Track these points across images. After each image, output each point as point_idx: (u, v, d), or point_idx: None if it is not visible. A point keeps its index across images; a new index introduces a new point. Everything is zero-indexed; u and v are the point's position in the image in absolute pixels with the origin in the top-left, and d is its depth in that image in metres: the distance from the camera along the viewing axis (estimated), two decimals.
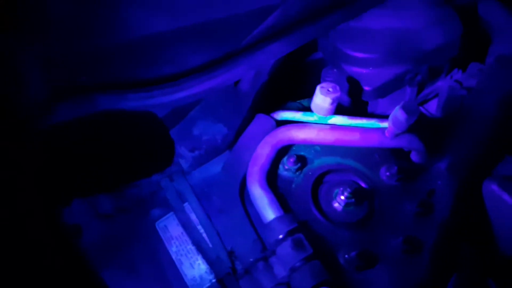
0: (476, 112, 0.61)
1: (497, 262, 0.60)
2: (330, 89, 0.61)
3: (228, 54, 0.53)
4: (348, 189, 0.59)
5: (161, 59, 0.53)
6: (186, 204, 0.60)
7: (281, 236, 0.52)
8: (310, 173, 0.63)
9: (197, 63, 0.53)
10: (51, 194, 0.40)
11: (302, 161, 0.64)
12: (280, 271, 0.52)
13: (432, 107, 0.76)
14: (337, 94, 0.61)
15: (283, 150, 0.65)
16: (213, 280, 0.55)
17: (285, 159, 0.63)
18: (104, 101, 0.52)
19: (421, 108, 0.76)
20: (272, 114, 0.66)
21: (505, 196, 0.60)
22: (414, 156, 0.68)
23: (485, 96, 0.61)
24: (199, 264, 0.56)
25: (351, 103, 0.71)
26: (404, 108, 0.58)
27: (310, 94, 0.66)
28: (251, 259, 0.53)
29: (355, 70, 0.68)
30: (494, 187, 0.61)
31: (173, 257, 0.57)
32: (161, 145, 0.50)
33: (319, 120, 0.66)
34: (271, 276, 0.52)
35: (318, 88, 0.61)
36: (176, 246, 0.58)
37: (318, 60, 0.77)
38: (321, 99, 0.61)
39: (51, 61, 0.50)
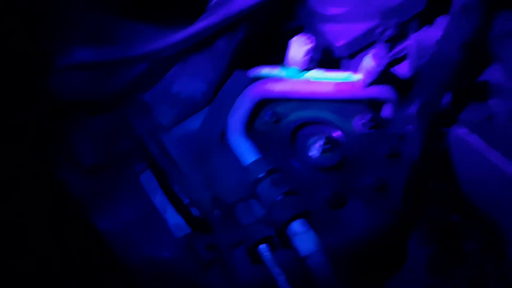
0: (442, 58, 0.68)
1: (461, 201, 0.67)
2: (304, 40, 0.67)
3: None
4: (323, 137, 0.65)
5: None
6: (168, 158, 0.66)
7: (260, 176, 0.58)
8: (287, 125, 0.69)
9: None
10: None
11: (279, 115, 0.69)
12: (260, 210, 0.58)
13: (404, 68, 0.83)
14: (312, 45, 0.67)
15: (260, 106, 0.70)
16: None
17: (262, 113, 0.69)
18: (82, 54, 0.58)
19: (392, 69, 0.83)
20: (249, 71, 0.72)
21: (471, 139, 0.67)
22: (386, 109, 0.75)
23: (449, 42, 0.67)
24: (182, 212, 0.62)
25: (326, 62, 0.77)
26: (373, 55, 0.65)
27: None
28: (232, 201, 0.59)
29: (328, 27, 0.74)
30: (462, 131, 0.68)
31: (157, 206, 0.63)
32: None
33: (295, 75, 0.72)
34: (252, 216, 0.58)
35: (292, 39, 0.67)
36: (160, 196, 0.63)
37: (296, 29, 0.83)
38: (296, 50, 0.67)
39: None
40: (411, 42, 0.78)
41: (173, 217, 0.61)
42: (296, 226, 0.55)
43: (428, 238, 0.65)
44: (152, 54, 0.60)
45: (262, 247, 0.55)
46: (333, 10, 0.73)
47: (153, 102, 0.69)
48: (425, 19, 0.78)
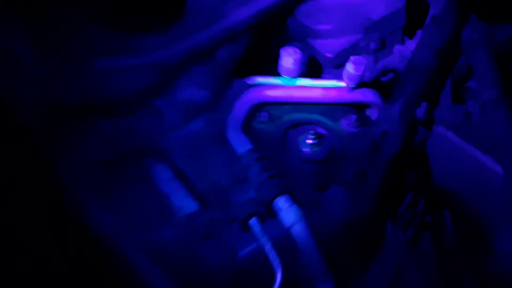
0: (418, 65, 0.77)
1: (440, 192, 0.74)
2: (292, 51, 0.77)
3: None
4: (312, 132, 0.74)
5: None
6: (175, 152, 0.75)
7: (251, 162, 0.67)
8: (280, 125, 0.79)
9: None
10: None
11: (273, 116, 0.79)
12: (252, 191, 0.67)
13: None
14: (298, 55, 0.77)
15: (257, 108, 0.80)
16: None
17: (258, 114, 0.79)
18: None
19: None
20: (247, 79, 0.82)
21: (448, 135, 0.74)
22: (372, 112, 0.83)
23: (424, 50, 0.76)
24: (187, 195, 0.71)
25: (314, 72, 0.87)
26: (352, 61, 0.74)
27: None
28: (228, 185, 0.68)
29: (316, 41, 0.84)
30: (440, 129, 0.75)
31: (165, 191, 0.71)
32: None
33: (287, 82, 0.82)
34: (245, 196, 0.66)
35: (281, 51, 0.78)
36: (167, 183, 0.72)
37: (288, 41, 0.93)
38: (285, 60, 0.77)
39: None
40: (395, 55, 0.88)
41: (178, 200, 0.70)
42: (281, 201, 0.63)
43: (407, 227, 0.71)
44: (156, 62, 0.72)
45: (252, 220, 0.63)
46: (320, 26, 0.83)
47: (164, 106, 0.80)
48: (407, 32, 0.88)
